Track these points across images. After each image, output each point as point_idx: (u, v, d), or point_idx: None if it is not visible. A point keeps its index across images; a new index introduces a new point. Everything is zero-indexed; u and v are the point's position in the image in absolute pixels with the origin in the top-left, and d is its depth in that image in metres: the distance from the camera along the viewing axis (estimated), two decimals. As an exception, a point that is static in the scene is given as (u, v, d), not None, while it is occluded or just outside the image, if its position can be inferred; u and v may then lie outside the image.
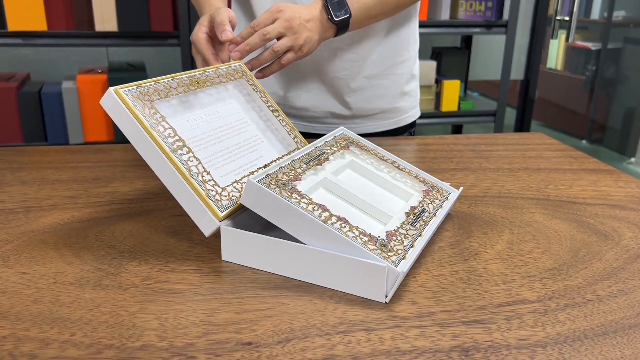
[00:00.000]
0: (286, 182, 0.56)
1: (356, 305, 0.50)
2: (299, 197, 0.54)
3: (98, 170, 0.83)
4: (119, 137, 1.96)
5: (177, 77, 0.65)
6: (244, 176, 0.62)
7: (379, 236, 0.53)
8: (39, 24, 1.77)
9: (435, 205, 0.64)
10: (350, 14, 0.85)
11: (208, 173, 0.58)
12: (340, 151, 0.69)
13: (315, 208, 0.54)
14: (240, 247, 0.56)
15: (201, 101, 0.67)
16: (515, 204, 0.73)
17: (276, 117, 0.72)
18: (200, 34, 0.79)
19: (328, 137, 0.70)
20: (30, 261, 0.56)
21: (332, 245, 0.51)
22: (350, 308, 0.49)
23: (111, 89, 0.58)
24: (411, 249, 0.54)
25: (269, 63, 0.83)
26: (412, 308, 0.49)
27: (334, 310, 0.49)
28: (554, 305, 0.50)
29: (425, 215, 0.61)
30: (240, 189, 0.60)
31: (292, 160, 0.62)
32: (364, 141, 0.73)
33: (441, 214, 0.63)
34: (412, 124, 1.10)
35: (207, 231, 0.57)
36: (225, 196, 0.58)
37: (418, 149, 0.97)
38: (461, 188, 0.70)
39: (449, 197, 0.67)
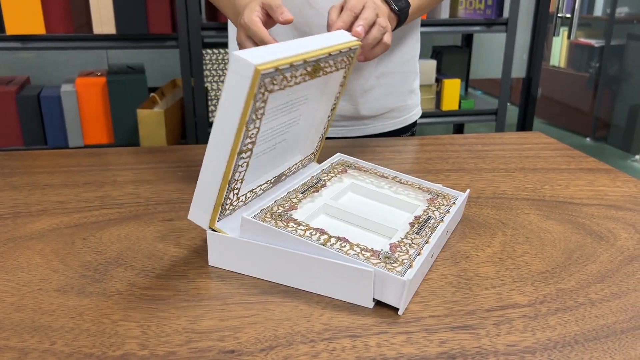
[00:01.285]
0: (282, 213, 0.56)
1: (343, 311, 0.49)
2: (295, 225, 0.54)
3: (90, 174, 0.82)
4: (118, 141, 1.96)
5: (308, 60, 0.56)
6: (259, 185, 0.61)
7: (382, 250, 0.52)
8: (37, 27, 1.77)
9: (441, 211, 0.62)
10: (409, 4, 0.85)
11: (242, 181, 0.57)
12: (338, 176, 0.69)
13: (313, 233, 0.53)
14: (226, 253, 0.55)
15: (303, 94, 0.62)
16: (509, 205, 0.72)
17: (328, 118, 0.70)
18: (254, 17, 0.74)
19: (325, 165, 0.71)
20: (16, 268, 0.56)
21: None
22: (337, 314, 0.49)
23: (253, 63, 0.48)
24: (418, 256, 0.53)
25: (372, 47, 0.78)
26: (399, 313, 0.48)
27: (319, 317, 0.48)
28: (544, 310, 0.49)
29: (432, 222, 0.59)
30: (244, 200, 0.59)
31: (288, 192, 0.62)
32: (362, 162, 0.73)
33: (448, 218, 0.61)
34: (414, 123, 1.09)
35: (192, 219, 0.56)
36: (232, 206, 0.57)
37: (414, 150, 0.96)
38: (468, 190, 0.68)
39: (456, 202, 0.65)
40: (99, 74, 1.99)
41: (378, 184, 0.68)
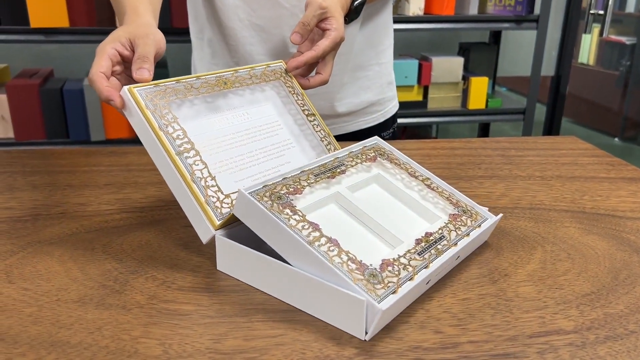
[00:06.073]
0: (282, 195, 0.52)
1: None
2: (290, 213, 0.49)
3: (111, 175, 0.80)
4: (140, 134, 1.95)
5: (203, 77, 0.62)
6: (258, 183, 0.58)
7: (370, 264, 0.47)
8: (61, 20, 1.76)
9: (459, 233, 0.56)
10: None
11: (213, 178, 0.55)
12: (366, 163, 0.62)
13: (306, 226, 0.49)
14: (233, 260, 0.53)
15: (230, 102, 0.63)
16: (548, 217, 0.68)
17: (311, 121, 0.68)
18: (97, 73, 0.60)
19: (355, 147, 0.64)
20: (34, 276, 0.54)
21: (314, 269, 0.47)
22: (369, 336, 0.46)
23: (125, 87, 0.57)
24: (409, 282, 0.47)
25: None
26: (436, 338, 0.45)
27: (350, 338, 0.45)
28: (592, 337, 0.46)
29: (442, 244, 0.53)
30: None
31: (301, 172, 0.56)
32: (398, 153, 0.66)
33: (464, 243, 0.55)
34: (395, 119, 1.06)
35: (204, 238, 0.55)
36: (227, 204, 0.55)
37: (444, 154, 0.92)
38: (500, 215, 0.61)
39: (481, 225, 0.58)
40: (121, 67, 1.98)
41: (408, 183, 0.62)
